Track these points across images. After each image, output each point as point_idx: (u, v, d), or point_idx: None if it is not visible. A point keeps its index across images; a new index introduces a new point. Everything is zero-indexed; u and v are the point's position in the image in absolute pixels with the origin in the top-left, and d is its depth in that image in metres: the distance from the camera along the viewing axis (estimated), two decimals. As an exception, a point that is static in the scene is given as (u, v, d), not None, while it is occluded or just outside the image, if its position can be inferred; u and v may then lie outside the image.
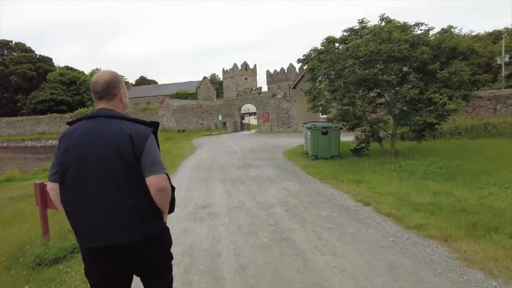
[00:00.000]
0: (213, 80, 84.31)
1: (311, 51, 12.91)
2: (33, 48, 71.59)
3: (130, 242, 1.86)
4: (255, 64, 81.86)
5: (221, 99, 50.88)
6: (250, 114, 44.99)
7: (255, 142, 21.78)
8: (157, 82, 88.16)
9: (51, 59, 73.30)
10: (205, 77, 68.60)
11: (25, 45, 71.04)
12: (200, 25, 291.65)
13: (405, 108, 12.11)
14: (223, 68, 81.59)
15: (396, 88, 11.53)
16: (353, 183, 7.73)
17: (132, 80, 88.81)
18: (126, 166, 1.84)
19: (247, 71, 79.27)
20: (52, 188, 1.99)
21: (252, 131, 37.40)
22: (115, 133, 1.85)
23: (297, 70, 69.51)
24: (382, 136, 12.88)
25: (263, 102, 34.61)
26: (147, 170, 1.86)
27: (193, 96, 61.47)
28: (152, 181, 1.86)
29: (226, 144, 21.17)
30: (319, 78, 12.87)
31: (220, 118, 39.31)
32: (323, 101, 12.64)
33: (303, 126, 14.04)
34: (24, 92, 65.57)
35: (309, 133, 12.27)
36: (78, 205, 1.86)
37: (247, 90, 37.67)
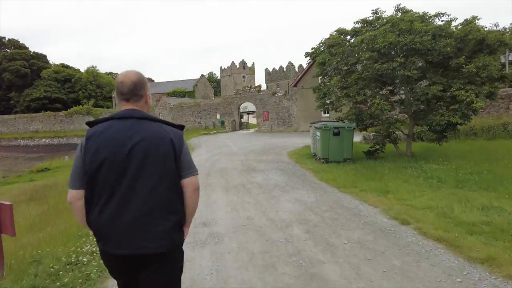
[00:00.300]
0: (210, 78, 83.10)
1: (321, 44, 11.80)
2: (27, 46, 70.14)
3: (158, 252, 1.76)
4: (253, 63, 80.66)
5: (219, 98, 49.71)
6: (249, 112, 43.86)
7: (256, 142, 20.72)
8: (153, 80, 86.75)
9: (45, 56, 71.64)
10: (202, 75, 67.34)
11: (19, 41, 69.49)
12: (198, 24, 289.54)
13: (422, 107, 11.05)
14: (221, 66, 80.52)
15: (414, 85, 10.47)
16: (379, 193, 6.63)
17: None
18: (167, 171, 1.77)
19: (245, 69, 78.21)
20: (77, 198, 1.77)
21: (251, 130, 36.29)
22: (155, 136, 1.78)
23: (296, 69, 68.47)
24: (398, 136, 11.83)
25: (262, 101, 33.49)
26: (185, 172, 1.84)
27: (190, 94, 60.15)
28: (192, 182, 1.86)
29: (225, 144, 20.10)
30: (329, 73, 11.77)
31: (218, 116, 38.16)
32: (333, 98, 11.52)
33: (310, 126, 12.95)
34: (18, 90, 63.95)
35: (318, 134, 11.17)
36: (105, 209, 1.72)
37: (246, 88, 36.60)
